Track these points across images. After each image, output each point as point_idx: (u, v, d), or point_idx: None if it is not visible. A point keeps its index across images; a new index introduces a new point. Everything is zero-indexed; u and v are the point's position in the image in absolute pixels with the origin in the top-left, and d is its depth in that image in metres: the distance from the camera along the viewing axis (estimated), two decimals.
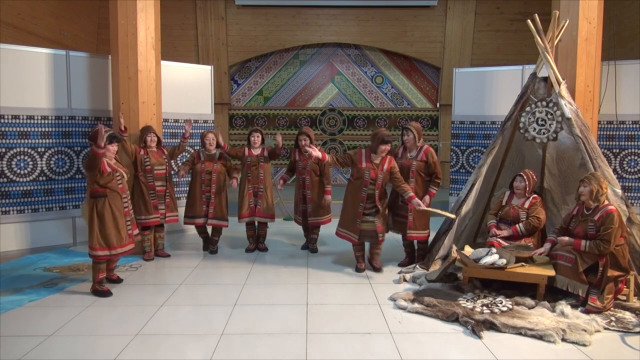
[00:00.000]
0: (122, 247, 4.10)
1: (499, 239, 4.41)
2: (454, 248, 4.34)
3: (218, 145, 5.36)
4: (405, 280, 4.49)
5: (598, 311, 3.62)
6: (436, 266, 4.62)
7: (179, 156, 5.97)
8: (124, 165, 4.41)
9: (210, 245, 5.51)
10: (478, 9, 10.09)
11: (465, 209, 4.85)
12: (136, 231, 4.41)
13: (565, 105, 4.42)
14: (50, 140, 5.57)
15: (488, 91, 6.69)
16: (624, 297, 3.91)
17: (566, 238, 3.81)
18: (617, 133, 5.87)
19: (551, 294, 3.84)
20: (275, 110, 10.94)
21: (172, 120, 6.45)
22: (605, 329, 3.41)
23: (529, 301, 3.73)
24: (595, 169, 4.21)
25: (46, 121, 5.53)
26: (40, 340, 3.21)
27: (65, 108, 5.66)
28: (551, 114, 4.50)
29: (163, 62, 5.77)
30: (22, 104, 5.36)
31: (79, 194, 5.81)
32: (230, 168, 5.45)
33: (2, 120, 5.26)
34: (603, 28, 5.28)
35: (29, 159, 5.44)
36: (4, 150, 5.28)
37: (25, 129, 5.40)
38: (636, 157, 5.83)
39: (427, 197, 4.71)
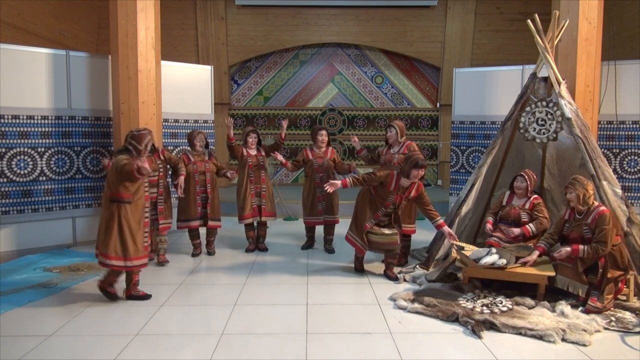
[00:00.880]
0: (138, 260, 3.82)
1: (498, 239, 4.41)
2: (454, 248, 4.33)
3: (207, 145, 5.27)
4: (405, 280, 4.49)
5: (598, 311, 3.62)
6: (436, 266, 4.62)
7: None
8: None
9: (207, 247, 5.44)
10: (478, 9, 10.09)
11: (465, 209, 4.86)
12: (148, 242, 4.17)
13: (565, 105, 4.41)
14: (50, 140, 5.57)
15: (488, 91, 6.69)
16: (624, 297, 3.91)
17: (564, 251, 3.77)
18: (617, 133, 5.87)
19: (551, 294, 3.84)
20: (275, 110, 10.94)
21: (172, 120, 6.45)
22: (605, 329, 3.41)
23: (529, 301, 3.73)
24: (595, 169, 4.21)
25: (46, 121, 5.53)
26: (40, 340, 3.21)
27: (65, 108, 5.66)
28: (551, 114, 4.50)
29: (163, 62, 5.78)
30: (22, 104, 5.36)
31: (79, 194, 5.81)
32: (221, 167, 5.34)
33: (2, 120, 5.26)
34: (603, 28, 5.28)
35: (29, 159, 5.44)
36: (4, 150, 5.28)
37: (25, 129, 5.40)
38: (636, 157, 5.83)
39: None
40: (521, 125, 4.67)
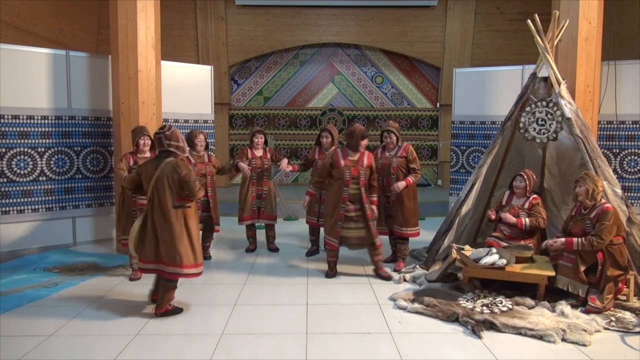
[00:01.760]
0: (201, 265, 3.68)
1: (497, 240, 4.41)
2: (454, 248, 4.34)
3: (207, 147, 5.09)
4: (405, 280, 4.49)
5: (598, 311, 3.62)
6: (436, 266, 4.62)
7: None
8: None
9: (203, 252, 5.00)
10: (478, 9, 10.09)
11: (465, 209, 4.85)
12: None
13: (565, 105, 4.41)
14: (50, 140, 5.57)
15: (488, 91, 6.69)
16: (624, 297, 3.91)
17: (559, 241, 3.78)
18: (617, 133, 5.87)
19: (551, 294, 3.84)
20: (275, 110, 10.94)
21: (172, 120, 6.45)
22: (605, 329, 3.41)
23: (529, 301, 3.73)
24: (595, 169, 4.21)
25: (46, 121, 5.53)
26: (40, 340, 3.21)
27: (65, 108, 5.66)
28: (551, 114, 4.50)
29: (163, 62, 5.77)
30: (22, 104, 5.36)
31: (79, 194, 5.80)
32: (221, 167, 5.21)
33: (2, 120, 5.26)
34: (603, 28, 5.28)
35: (29, 159, 5.44)
36: (4, 150, 5.28)
37: (25, 129, 5.40)
38: (636, 157, 5.82)
39: (401, 183, 4.64)
40: (521, 125, 4.67)
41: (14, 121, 5.32)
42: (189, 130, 5.35)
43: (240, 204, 5.37)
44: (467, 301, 3.82)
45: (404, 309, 3.78)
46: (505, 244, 4.32)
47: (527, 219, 4.34)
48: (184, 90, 6.55)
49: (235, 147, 10.54)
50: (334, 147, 5.08)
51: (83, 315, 3.65)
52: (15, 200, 5.34)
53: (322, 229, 5.49)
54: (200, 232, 4.98)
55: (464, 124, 6.89)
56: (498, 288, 4.02)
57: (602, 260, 3.68)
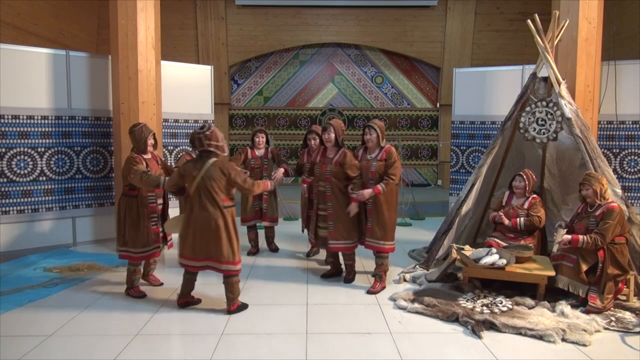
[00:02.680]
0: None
1: (497, 240, 4.41)
2: (454, 248, 4.34)
3: None
4: (405, 280, 4.49)
5: (598, 311, 3.62)
6: (436, 266, 4.62)
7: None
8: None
9: None
10: (478, 9, 10.09)
11: (465, 209, 4.85)
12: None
13: (565, 105, 4.42)
14: (50, 140, 5.57)
15: (488, 91, 6.69)
16: (624, 297, 3.91)
17: (565, 238, 3.75)
18: (617, 133, 5.87)
19: (551, 294, 3.84)
20: (275, 110, 10.94)
21: (172, 120, 6.45)
22: (605, 329, 3.42)
23: (529, 301, 3.73)
24: (595, 169, 4.21)
25: (46, 121, 5.53)
26: (40, 340, 3.21)
27: (65, 108, 5.66)
28: (551, 114, 4.50)
29: (163, 62, 5.77)
30: (22, 104, 5.36)
31: (79, 194, 5.80)
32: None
33: (2, 120, 5.26)
34: (603, 28, 5.28)
35: (29, 159, 5.44)
36: (4, 150, 5.28)
37: (25, 129, 5.40)
38: (636, 157, 5.82)
39: (366, 191, 4.10)
40: (521, 125, 4.67)
41: (14, 121, 5.32)
42: (192, 131, 5.18)
43: (241, 205, 5.36)
44: (467, 301, 3.82)
45: (404, 309, 3.78)
46: (505, 244, 4.32)
47: (521, 219, 4.36)
48: (184, 90, 6.55)
49: (236, 147, 10.54)
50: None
51: (83, 315, 3.65)
52: (15, 200, 5.34)
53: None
54: None
55: (464, 124, 6.89)
56: (498, 288, 4.02)
57: (602, 258, 3.68)
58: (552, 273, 3.84)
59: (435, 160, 10.92)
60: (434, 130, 10.94)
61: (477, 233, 5.23)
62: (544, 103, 4.54)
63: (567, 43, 5.13)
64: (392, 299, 4.00)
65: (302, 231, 4.94)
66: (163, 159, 4.54)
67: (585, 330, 3.29)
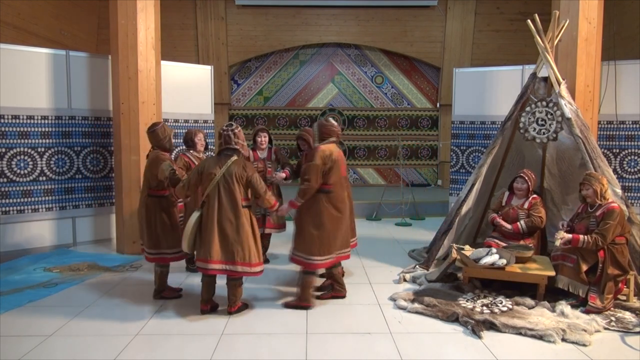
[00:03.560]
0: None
1: (497, 240, 4.41)
2: (454, 248, 4.34)
3: (206, 148, 4.92)
4: (405, 280, 4.49)
5: (598, 311, 3.62)
6: (436, 266, 4.62)
7: None
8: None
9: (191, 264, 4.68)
10: (478, 9, 10.09)
11: (465, 208, 4.85)
12: None
13: (565, 105, 4.41)
14: (50, 140, 5.57)
15: (488, 91, 6.69)
16: (624, 297, 3.91)
17: (566, 237, 3.74)
18: (617, 133, 5.87)
19: (551, 294, 3.84)
20: (275, 110, 10.94)
21: (172, 120, 6.45)
22: (605, 329, 3.41)
23: (529, 301, 3.73)
24: (595, 169, 4.21)
25: (46, 121, 5.53)
26: (40, 340, 3.21)
27: (65, 108, 5.66)
28: (551, 114, 4.50)
29: (163, 62, 5.77)
30: (22, 104, 5.35)
31: (79, 194, 5.80)
32: None
33: (2, 120, 5.26)
34: (603, 28, 5.28)
35: (29, 159, 5.44)
36: (4, 150, 5.28)
37: (25, 129, 5.40)
38: (636, 157, 5.82)
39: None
40: (521, 125, 4.67)
41: (14, 121, 5.32)
42: (185, 130, 5.10)
43: None
44: (467, 301, 3.82)
45: (404, 309, 3.78)
46: (504, 244, 4.32)
47: (523, 222, 4.34)
48: (184, 90, 6.55)
49: None
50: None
51: (83, 315, 3.65)
52: (15, 200, 5.34)
53: None
54: None
55: (464, 124, 6.89)
56: (498, 288, 4.02)
57: (602, 258, 3.68)
58: (552, 273, 3.84)
59: (435, 160, 10.92)
60: (434, 130, 10.94)
61: (477, 233, 5.23)
62: (544, 103, 4.54)
63: (567, 43, 5.13)
64: (392, 299, 4.00)
65: None
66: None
67: (585, 330, 3.29)
